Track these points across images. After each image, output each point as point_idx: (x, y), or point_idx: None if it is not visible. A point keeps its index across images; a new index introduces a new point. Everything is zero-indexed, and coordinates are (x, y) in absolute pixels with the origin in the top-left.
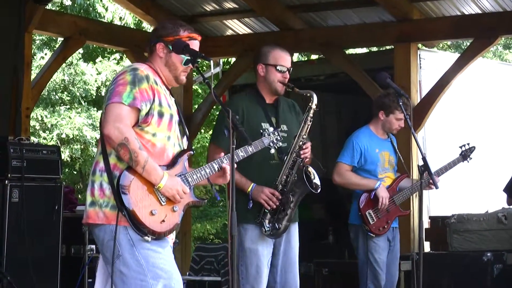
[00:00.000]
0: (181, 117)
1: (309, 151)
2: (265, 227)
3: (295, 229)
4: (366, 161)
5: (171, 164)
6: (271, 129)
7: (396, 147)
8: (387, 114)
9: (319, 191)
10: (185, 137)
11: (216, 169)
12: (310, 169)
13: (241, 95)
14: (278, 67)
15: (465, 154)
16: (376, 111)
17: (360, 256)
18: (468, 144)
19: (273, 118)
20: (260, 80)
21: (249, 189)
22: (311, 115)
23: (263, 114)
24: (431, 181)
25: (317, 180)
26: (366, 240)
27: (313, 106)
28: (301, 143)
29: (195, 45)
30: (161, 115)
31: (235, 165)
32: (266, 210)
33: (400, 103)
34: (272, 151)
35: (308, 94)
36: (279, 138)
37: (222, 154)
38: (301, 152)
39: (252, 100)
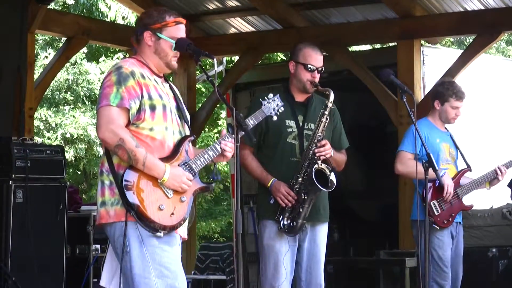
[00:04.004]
0: (178, 102)
1: (326, 150)
2: (281, 224)
3: (321, 228)
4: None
5: (172, 155)
6: (271, 95)
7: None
8: (442, 103)
9: (333, 188)
10: (184, 122)
11: (219, 149)
12: (323, 166)
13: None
14: (308, 66)
15: None
16: (431, 101)
17: (423, 253)
18: None
19: (301, 116)
20: (291, 77)
21: (269, 185)
22: (326, 112)
23: (290, 112)
24: (497, 173)
25: (332, 177)
26: (429, 236)
27: (329, 104)
28: (316, 140)
29: (181, 29)
30: (153, 108)
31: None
32: (283, 207)
33: (404, 100)
34: (295, 142)
35: (327, 92)
36: (280, 104)
37: (224, 131)
38: (316, 150)
39: (280, 97)
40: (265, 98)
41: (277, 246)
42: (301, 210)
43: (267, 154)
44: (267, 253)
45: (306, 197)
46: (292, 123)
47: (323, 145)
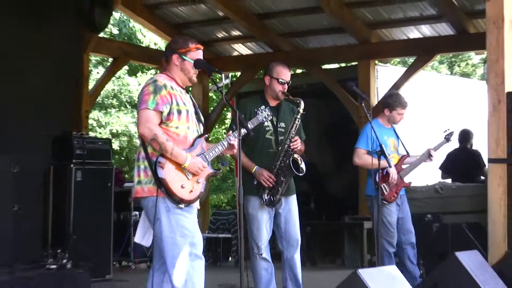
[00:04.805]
0: (196, 108)
1: (298, 143)
2: (264, 199)
3: (292, 199)
4: (377, 146)
5: (191, 147)
6: (263, 107)
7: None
8: (390, 110)
9: (303, 173)
10: (200, 123)
11: (226, 145)
12: (297, 156)
13: (249, 99)
14: (279, 80)
15: (448, 138)
16: (382, 108)
17: (376, 220)
18: (449, 129)
19: (274, 117)
20: (266, 88)
21: (253, 170)
22: (298, 116)
23: None
24: (430, 154)
25: (303, 165)
26: (381, 207)
27: (301, 110)
28: (291, 137)
29: (200, 53)
30: (179, 112)
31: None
32: (264, 187)
33: (362, 105)
34: (271, 137)
35: (298, 101)
36: (269, 114)
37: (230, 132)
38: (291, 144)
39: (258, 102)
40: (259, 109)
41: (259, 215)
42: (280, 188)
43: (250, 146)
44: (251, 220)
45: (283, 179)
46: (268, 123)
47: (295, 140)
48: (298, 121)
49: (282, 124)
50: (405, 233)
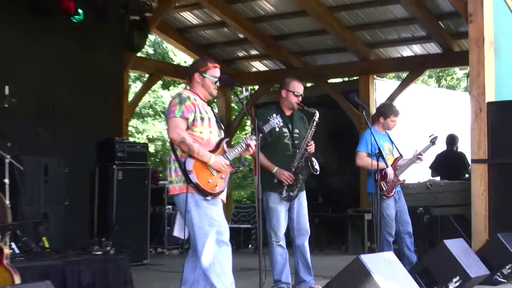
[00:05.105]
0: (217, 118)
1: (313, 147)
2: (283, 194)
3: (303, 194)
4: (375, 149)
5: (215, 149)
6: (274, 115)
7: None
8: (385, 118)
9: (318, 172)
10: (221, 129)
11: (244, 147)
12: (313, 159)
13: (266, 109)
14: (295, 93)
15: (433, 141)
16: (377, 117)
17: (375, 213)
18: (433, 134)
19: (290, 124)
20: (282, 100)
21: (274, 171)
22: (314, 125)
23: (284, 122)
24: (419, 155)
25: (317, 166)
26: (380, 202)
27: (316, 119)
28: (307, 142)
29: (218, 70)
30: (202, 119)
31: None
32: (284, 184)
33: (363, 113)
34: (288, 142)
35: (313, 111)
36: (280, 120)
37: (248, 135)
38: (307, 148)
39: (273, 112)
40: (271, 115)
41: (278, 208)
42: (298, 185)
43: (270, 150)
44: (271, 213)
45: (301, 177)
46: (286, 129)
47: (311, 145)
48: (314, 129)
49: (296, 130)
50: (403, 224)
